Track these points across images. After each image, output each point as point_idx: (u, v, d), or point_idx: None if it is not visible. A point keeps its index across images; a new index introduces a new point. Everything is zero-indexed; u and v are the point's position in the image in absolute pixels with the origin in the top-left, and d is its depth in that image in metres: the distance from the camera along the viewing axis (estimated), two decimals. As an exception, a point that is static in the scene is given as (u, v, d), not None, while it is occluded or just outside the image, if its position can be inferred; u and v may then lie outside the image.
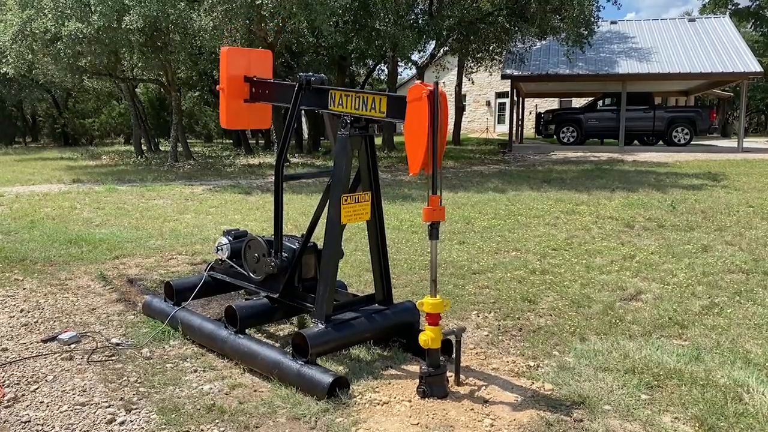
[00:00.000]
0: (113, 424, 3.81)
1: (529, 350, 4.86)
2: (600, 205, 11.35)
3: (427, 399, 4.03)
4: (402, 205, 11.75)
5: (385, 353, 4.80)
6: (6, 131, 38.47)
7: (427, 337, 4.02)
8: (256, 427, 3.78)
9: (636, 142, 27.64)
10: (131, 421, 3.84)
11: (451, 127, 32.64)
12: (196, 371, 4.58)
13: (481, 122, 43.90)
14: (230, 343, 4.70)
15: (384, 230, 4.77)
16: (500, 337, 5.14)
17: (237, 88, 5.27)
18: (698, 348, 4.80)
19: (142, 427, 3.77)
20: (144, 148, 27.96)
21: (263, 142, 32.90)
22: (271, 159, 23.48)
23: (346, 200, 4.39)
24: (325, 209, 4.59)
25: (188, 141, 27.09)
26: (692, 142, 26.22)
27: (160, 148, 30.73)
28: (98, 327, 5.44)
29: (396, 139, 27.18)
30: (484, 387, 4.22)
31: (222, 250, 5.48)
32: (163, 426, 3.78)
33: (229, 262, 5.40)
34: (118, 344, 5.07)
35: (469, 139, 34.14)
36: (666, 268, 7.10)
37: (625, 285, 6.44)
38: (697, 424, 3.67)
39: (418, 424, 3.76)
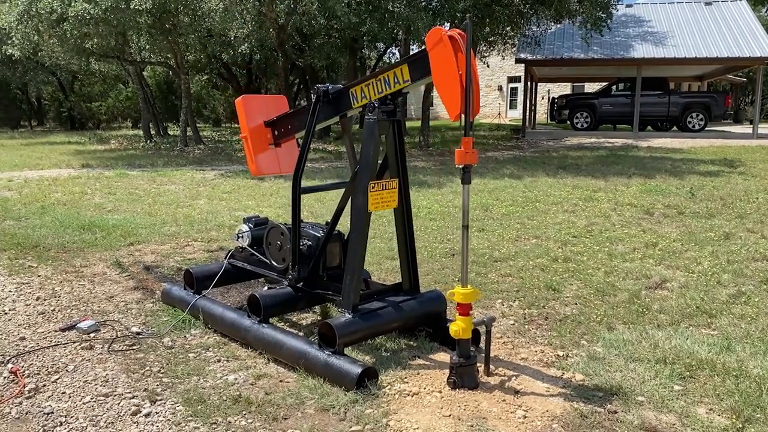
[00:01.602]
0: (139, 415, 3.74)
1: (556, 339, 4.78)
2: (618, 191, 11.24)
3: (457, 390, 3.96)
4: (419, 192, 11.64)
5: (412, 343, 4.72)
6: (11, 115, 38.25)
7: (458, 327, 3.94)
8: (285, 418, 3.71)
9: (649, 127, 27.39)
10: (157, 413, 3.77)
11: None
12: (219, 361, 4.51)
13: (493, 107, 43.60)
14: (254, 332, 4.63)
15: (411, 218, 4.67)
16: (527, 326, 5.05)
17: (260, 135, 5.24)
18: (728, 338, 4.71)
19: (168, 419, 3.70)
20: (152, 132, 27.88)
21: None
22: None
23: (373, 187, 4.29)
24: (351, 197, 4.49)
25: (197, 125, 26.94)
26: (705, 129, 25.95)
27: (169, 132, 30.62)
28: (117, 315, 5.38)
29: (408, 124, 27.01)
30: (514, 377, 4.14)
31: (242, 237, 5.40)
32: (190, 417, 3.71)
33: (250, 249, 5.33)
34: (138, 333, 5.00)
35: (482, 125, 33.91)
36: (689, 255, 6.99)
37: (650, 273, 6.34)
38: (733, 416, 3.59)
39: (450, 415, 3.68)
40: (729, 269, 6.45)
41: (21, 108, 40.17)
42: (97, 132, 32.91)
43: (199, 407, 3.82)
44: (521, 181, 12.79)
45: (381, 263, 6.74)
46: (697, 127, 25.65)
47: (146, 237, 8.11)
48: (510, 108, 43.41)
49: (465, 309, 3.95)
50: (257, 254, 5.27)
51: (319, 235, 4.83)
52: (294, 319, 5.35)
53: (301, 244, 4.87)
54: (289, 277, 4.85)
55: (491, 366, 4.24)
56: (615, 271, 6.42)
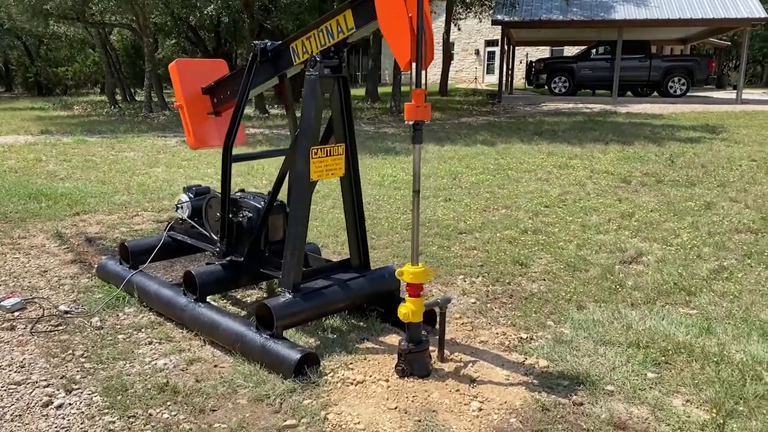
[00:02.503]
0: (50, 407, 3.38)
1: (520, 320, 4.41)
2: (594, 158, 10.85)
3: (406, 378, 3.59)
4: (385, 159, 11.18)
5: (361, 323, 4.36)
6: (-24, 81, 36.78)
7: (408, 309, 3.56)
8: (213, 410, 3.35)
9: (629, 93, 26.98)
10: (70, 404, 3.40)
11: (438, 76, 31.82)
12: (151, 343, 4.15)
13: (469, 72, 42.97)
14: (189, 312, 4.24)
15: (360, 188, 4.24)
16: (489, 305, 4.68)
17: (197, 103, 4.75)
18: (708, 318, 4.38)
19: (82, 411, 3.33)
20: (119, 98, 26.98)
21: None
22: (249, 110, 22.67)
23: (315, 153, 3.83)
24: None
25: (165, 91, 26.08)
26: (687, 94, 25.54)
27: (136, 98, 29.63)
28: (48, 292, 4.98)
29: (381, 90, 26.43)
30: (471, 364, 3.77)
31: (182, 208, 4.96)
32: (106, 410, 3.33)
33: (190, 221, 4.88)
34: (66, 312, 4.61)
35: (457, 90, 33.37)
36: (668, 227, 6.63)
37: (625, 246, 5.97)
38: (713, 409, 3.24)
39: (396, 408, 3.32)
40: (710, 242, 6.09)
41: (-13, 74, 38.72)
42: (63, 98, 31.87)
43: (119, 397, 3.45)
44: (494, 147, 12.33)
45: (338, 235, 6.30)
46: (678, 92, 25.20)
47: (94, 206, 7.65)
48: (487, 73, 42.73)
49: (415, 290, 3.56)
50: (197, 227, 4.83)
51: (260, 206, 4.38)
52: (238, 296, 4.94)
53: (241, 215, 4.46)
54: (217, 249, 4.44)
55: (446, 351, 3.87)
56: (588, 244, 6.04)
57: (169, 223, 5.23)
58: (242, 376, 3.62)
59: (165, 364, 3.84)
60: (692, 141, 12.89)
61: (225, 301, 4.84)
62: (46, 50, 37.39)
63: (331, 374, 3.63)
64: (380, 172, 9.77)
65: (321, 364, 3.70)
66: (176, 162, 10.97)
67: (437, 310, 3.79)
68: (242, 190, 4.78)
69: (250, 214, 4.42)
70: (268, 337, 3.74)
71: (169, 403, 3.39)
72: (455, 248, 5.96)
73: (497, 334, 4.20)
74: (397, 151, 12.01)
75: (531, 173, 9.59)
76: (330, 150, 3.92)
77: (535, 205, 7.58)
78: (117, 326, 4.36)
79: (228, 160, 4.33)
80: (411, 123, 3.45)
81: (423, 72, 3.40)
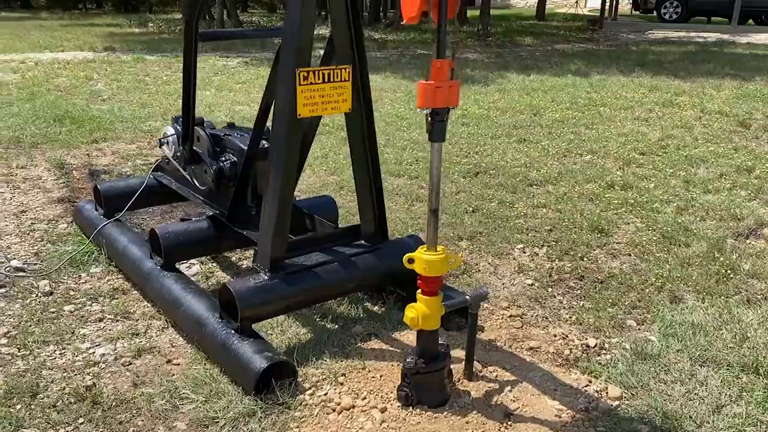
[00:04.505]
0: None
1: (590, 315, 3.28)
2: (705, 95, 9.25)
3: (411, 409, 2.50)
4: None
5: (376, 309, 3.33)
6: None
7: (417, 313, 2.45)
8: None
9: (750, 21, 24.18)
10: (-61, 418, 2.51)
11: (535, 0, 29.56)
12: (101, 320, 3.28)
13: (570, -4, 40.07)
14: (152, 281, 3.29)
15: (374, 129, 3.07)
16: (550, 290, 3.54)
17: None
18: None
19: (-51, 432, 2.43)
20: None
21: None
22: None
23: (305, 78, 2.67)
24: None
25: (251, 10, 25.05)
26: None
27: (215, 16, 28.61)
28: (12, 239, 4.21)
29: (470, 12, 24.62)
30: (509, 386, 2.69)
31: (167, 144, 3.94)
32: (-12, 429, 2.42)
33: (175, 162, 3.86)
34: (19, 269, 3.75)
35: (556, 15, 30.95)
36: (798, 187, 5.20)
37: (741, 212, 4.64)
38: None
39: (385, 460, 2.25)
40: None
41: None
42: (147, 15, 31.30)
43: (18, 407, 2.57)
44: (587, 78, 10.78)
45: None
46: (812, 21, 22.37)
47: (120, 133, 6.86)
48: (591, -3, 39.67)
49: (431, 285, 2.45)
50: (182, 169, 3.81)
51: (244, 146, 3.31)
52: (234, 259, 3.96)
53: (223, 159, 3.39)
54: (171, 156, 3.73)
55: (477, 363, 2.74)
56: (691, 207, 4.73)
57: (156, 162, 4.25)
58: (192, 384, 2.68)
59: (104, 354, 2.96)
60: (827, 78, 10.94)
61: (214, 264, 3.85)
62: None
63: (312, 392, 2.63)
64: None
65: (301, 374, 2.69)
66: (229, 85, 10.01)
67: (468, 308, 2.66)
68: (231, 125, 3.72)
69: (234, 158, 3.36)
70: (233, 331, 2.73)
71: (81, 421, 2.52)
72: (520, 205, 4.76)
73: (555, 336, 3.08)
74: (475, 80, 10.63)
75: (627, 111, 8.14)
76: (328, 74, 2.75)
77: (629, 151, 6.22)
78: (71, 292, 3.52)
79: (193, 35, 3.27)
80: (425, 112, 2.25)
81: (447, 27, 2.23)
